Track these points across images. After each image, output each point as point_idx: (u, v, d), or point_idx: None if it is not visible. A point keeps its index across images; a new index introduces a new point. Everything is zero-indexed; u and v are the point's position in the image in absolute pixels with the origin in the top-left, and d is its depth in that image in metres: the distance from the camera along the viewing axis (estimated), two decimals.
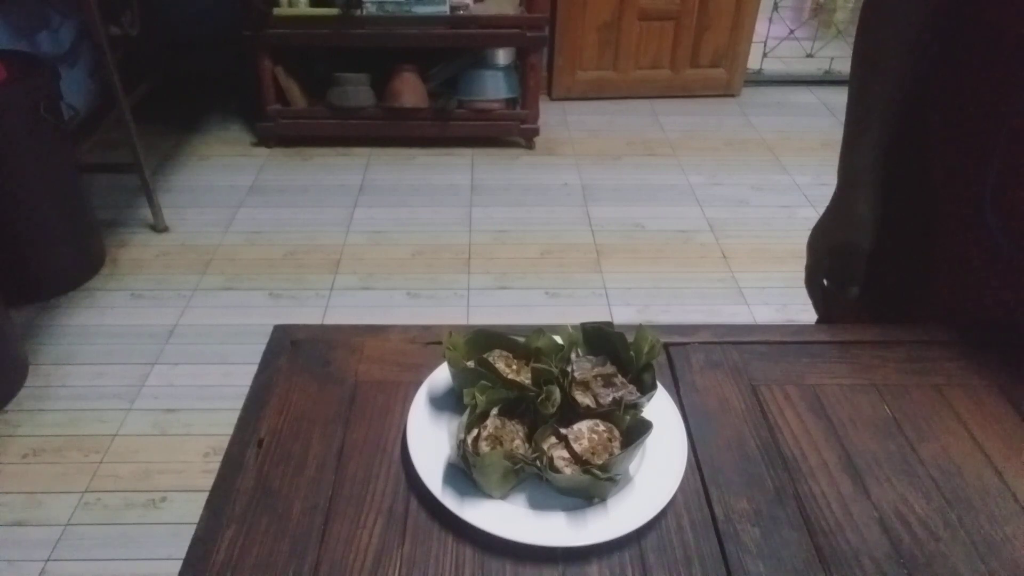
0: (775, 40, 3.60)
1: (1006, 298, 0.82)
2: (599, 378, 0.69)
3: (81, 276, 2.21)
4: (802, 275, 0.95)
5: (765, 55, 3.62)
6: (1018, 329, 0.81)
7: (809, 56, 3.69)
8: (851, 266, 0.89)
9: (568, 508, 0.62)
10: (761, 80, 3.62)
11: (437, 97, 2.91)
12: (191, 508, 1.57)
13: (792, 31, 3.65)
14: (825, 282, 0.93)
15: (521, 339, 0.72)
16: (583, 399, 0.67)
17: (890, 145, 0.85)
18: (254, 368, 0.76)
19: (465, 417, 0.64)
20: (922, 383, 0.76)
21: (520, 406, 0.67)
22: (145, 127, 2.46)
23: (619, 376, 0.70)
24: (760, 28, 3.46)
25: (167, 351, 1.98)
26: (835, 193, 0.88)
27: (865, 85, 0.83)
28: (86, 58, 2.76)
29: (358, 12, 2.68)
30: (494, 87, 2.93)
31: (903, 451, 0.68)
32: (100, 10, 2.14)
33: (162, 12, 3.14)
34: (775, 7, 3.56)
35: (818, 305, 0.95)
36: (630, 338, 0.70)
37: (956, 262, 0.84)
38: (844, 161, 0.86)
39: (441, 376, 0.73)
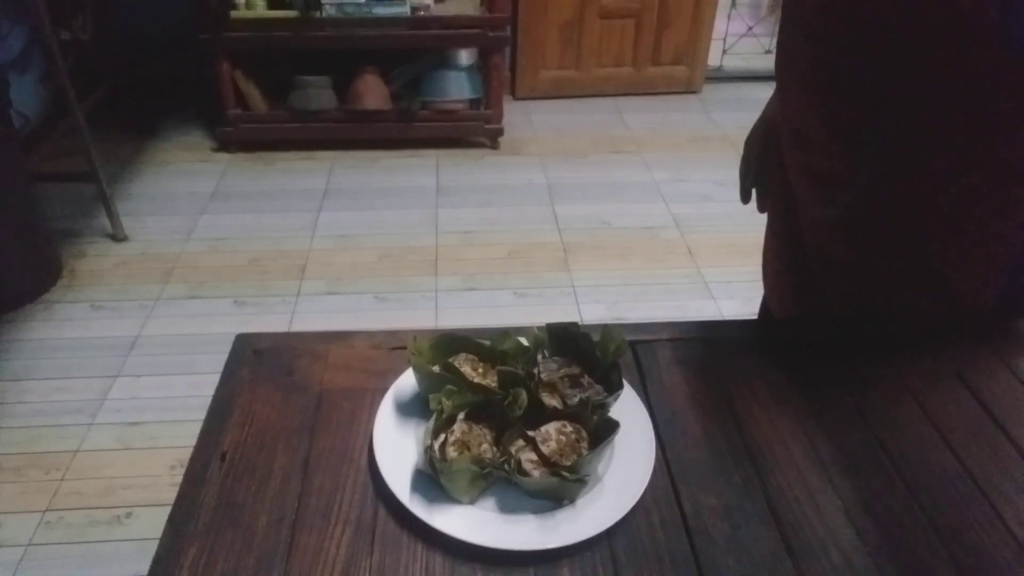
0: (734, 37, 3.65)
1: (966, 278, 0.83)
2: (566, 379, 0.69)
3: (37, 288, 2.15)
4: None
5: (725, 52, 3.66)
6: (974, 311, 0.83)
7: (768, 52, 3.73)
8: (746, 157, 1.13)
9: (538, 511, 0.62)
10: (722, 77, 3.67)
11: (400, 99, 2.89)
12: (158, 523, 1.52)
13: (750, 27, 3.70)
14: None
15: (487, 342, 0.72)
16: (550, 401, 0.67)
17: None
18: None
19: (432, 422, 0.64)
20: (884, 372, 0.77)
21: (487, 410, 0.67)
22: (101, 134, 2.40)
23: (586, 376, 0.69)
24: (719, 25, 3.50)
25: (130, 363, 1.94)
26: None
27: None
28: (37, 64, 2.68)
29: (317, 14, 2.65)
30: (457, 88, 2.92)
31: (867, 441, 0.69)
32: (50, 14, 2.08)
33: (116, 15, 3.07)
34: (733, 4, 3.61)
35: (742, 191, 1.20)
36: (596, 337, 0.70)
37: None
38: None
39: (407, 382, 0.73)
